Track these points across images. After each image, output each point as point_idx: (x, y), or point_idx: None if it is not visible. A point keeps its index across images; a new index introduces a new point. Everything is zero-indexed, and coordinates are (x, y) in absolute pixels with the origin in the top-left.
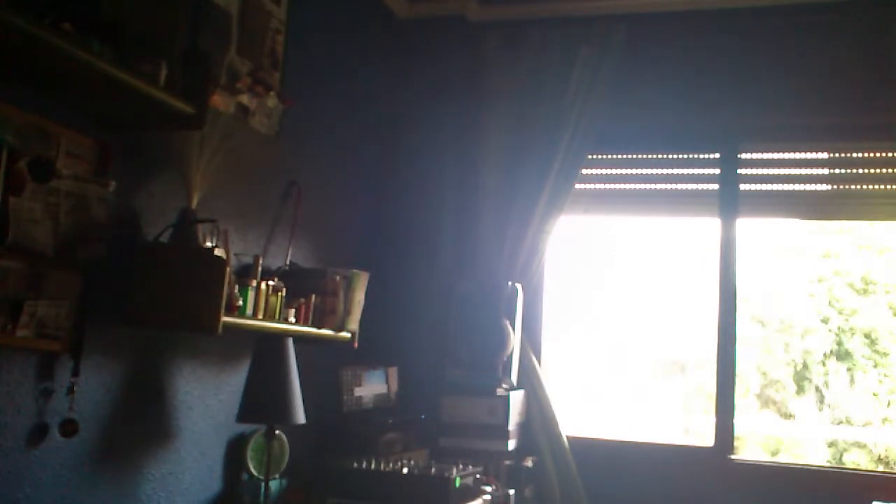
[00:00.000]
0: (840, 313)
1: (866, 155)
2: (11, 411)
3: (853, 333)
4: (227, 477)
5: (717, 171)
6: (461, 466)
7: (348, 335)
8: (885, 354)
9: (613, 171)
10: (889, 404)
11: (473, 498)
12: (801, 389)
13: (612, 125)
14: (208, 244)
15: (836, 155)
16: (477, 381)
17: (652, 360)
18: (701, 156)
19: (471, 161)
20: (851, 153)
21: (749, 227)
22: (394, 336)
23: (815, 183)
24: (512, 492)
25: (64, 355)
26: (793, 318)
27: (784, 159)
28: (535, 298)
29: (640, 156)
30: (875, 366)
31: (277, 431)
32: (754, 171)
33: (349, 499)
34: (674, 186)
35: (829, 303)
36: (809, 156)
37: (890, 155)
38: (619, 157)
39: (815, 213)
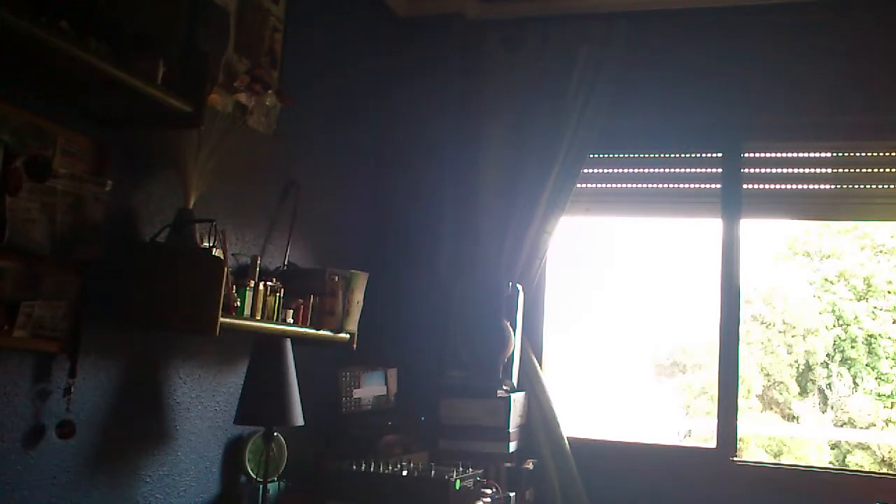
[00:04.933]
0: (841, 315)
1: (871, 154)
2: (8, 412)
3: (855, 338)
4: (224, 479)
5: (720, 170)
6: (461, 469)
7: (347, 336)
8: (886, 357)
9: (615, 171)
10: (893, 406)
11: (473, 501)
12: (804, 391)
13: (614, 124)
14: (206, 244)
15: (840, 154)
16: (477, 382)
17: (653, 361)
18: (703, 155)
19: (471, 160)
20: (855, 152)
21: (752, 228)
22: (393, 337)
23: (819, 183)
24: (512, 494)
25: (61, 356)
26: (796, 319)
27: (787, 158)
28: (535, 299)
29: (641, 155)
30: (873, 368)
31: (276, 433)
32: (757, 170)
33: (348, 501)
34: (676, 186)
35: (832, 304)
36: (813, 155)
37: (894, 154)
38: (621, 156)
39: (818, 213)
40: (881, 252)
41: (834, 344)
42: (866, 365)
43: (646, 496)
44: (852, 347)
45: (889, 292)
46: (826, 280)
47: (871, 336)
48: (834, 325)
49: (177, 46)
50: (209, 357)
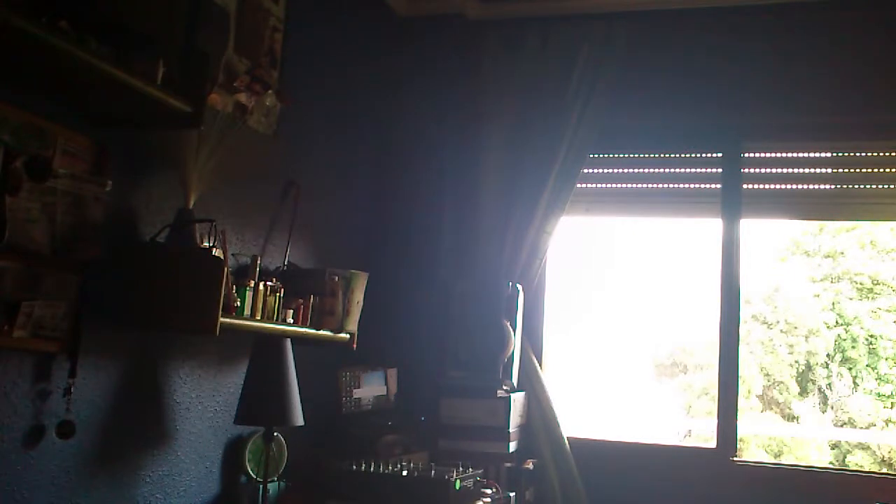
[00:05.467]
0: (842, 315)
1: (870, 154)
2: (8, 412)
3: (856, 337)
4: (224, 479)
5: (720, 170)
6: (461, 469)
7: (347, 336)
8: (886, 359)
9: (615, 171)
10: (893, 406)
11: (473, 501)
12: (804, 391)
13: (614, 124)
14: (206, 244)
15: (840, 154)
16: (477, 382)
17: (654, 362)
18: (703, 155)
19: (471, 160)
20: (855, 152)
21: (752, 228)
22: (393, 337)
23: (819, 183)
24: (512, 494)
25: (61, 356)
26: (797, 319)
27: (787, 158)
28: (536, 299)
29: (641, 155)
30: (873, 368)
31: (276, 433)
32: (757, 170)
33: (348, 501)
34: (676, 186)
35: (834, 303)
36: (813, 155)
37: (894, 154)
38: (621, 156)
39: (818, 213)
40: (883, 252)
41: (835, 343)
42: (867, 365)
43: (646, 496)
44: (853, 347)
45: (894, 289)
46: (826, 279)
47: (872, 336)
48: (836, 324)
49: (177, 46)
50: (209, 357)
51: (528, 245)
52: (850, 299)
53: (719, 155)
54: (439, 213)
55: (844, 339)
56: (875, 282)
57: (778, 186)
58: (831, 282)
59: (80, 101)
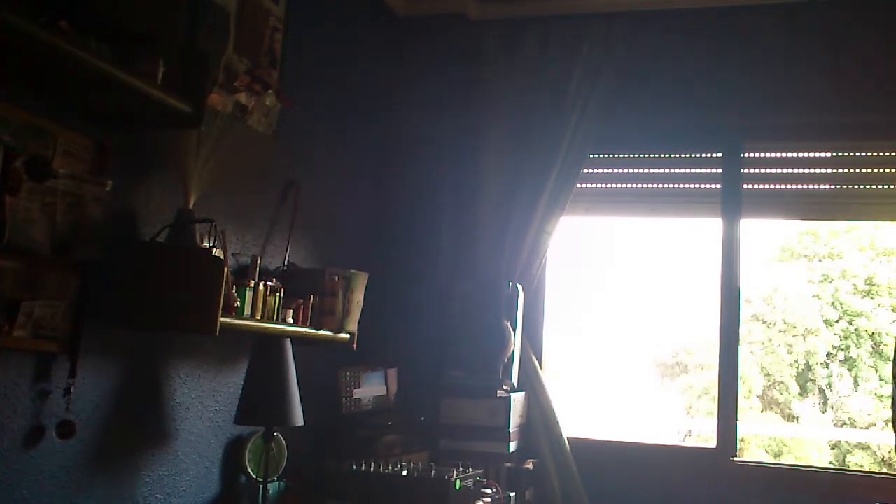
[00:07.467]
0: (843, 315)
1: (870, 154)
2: (8, 412)
3: (857, 335)
4: (224, 479)
5: (720, 170)
6: (461, 469)
7: (347, 336)
8: (888, 357)
9: (615, 171)
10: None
11: (473, 501)
12: (804, 391)
13: (614, 124)
14: (206, 244)
15: (840, 154)
16: (477, 382)
17: (655, 362)
18: (703, 155)
19: (471, 160)
20: (855, 152)
21: (752, 228)
22: (393, 337)
23: (819, 183)
24: (512, 494)
25: (61, 356)
26: (796, 318)
27: (787, 158)
28: (536, 299)
29: (641, 155)
30: (876, 369)
31: (276, 433)
32: (757, 170)
33: (348, 501)
34: (676, 186)
35: (833, 304)
36: (813, 155)
37: (894, 154)
38: (621, 156)
39: (818, 213)
40: (883, 254)
41: (840, 342)
42: (870, 366)
43: (646, 496)
44: (857, 346)
45: (891, 295)
46: (825, 279)
47: (873, 336)
48: (838, 321)
49: (177, 46)
50: (209, 357)
51: (528, 245)
52: (850, 301)
53: (719, 155)
54: (439, 213)
55: (847, 337)
56: (870, 283)
57: (778, 186)
58: (830, 282)
59: (80, 101)
